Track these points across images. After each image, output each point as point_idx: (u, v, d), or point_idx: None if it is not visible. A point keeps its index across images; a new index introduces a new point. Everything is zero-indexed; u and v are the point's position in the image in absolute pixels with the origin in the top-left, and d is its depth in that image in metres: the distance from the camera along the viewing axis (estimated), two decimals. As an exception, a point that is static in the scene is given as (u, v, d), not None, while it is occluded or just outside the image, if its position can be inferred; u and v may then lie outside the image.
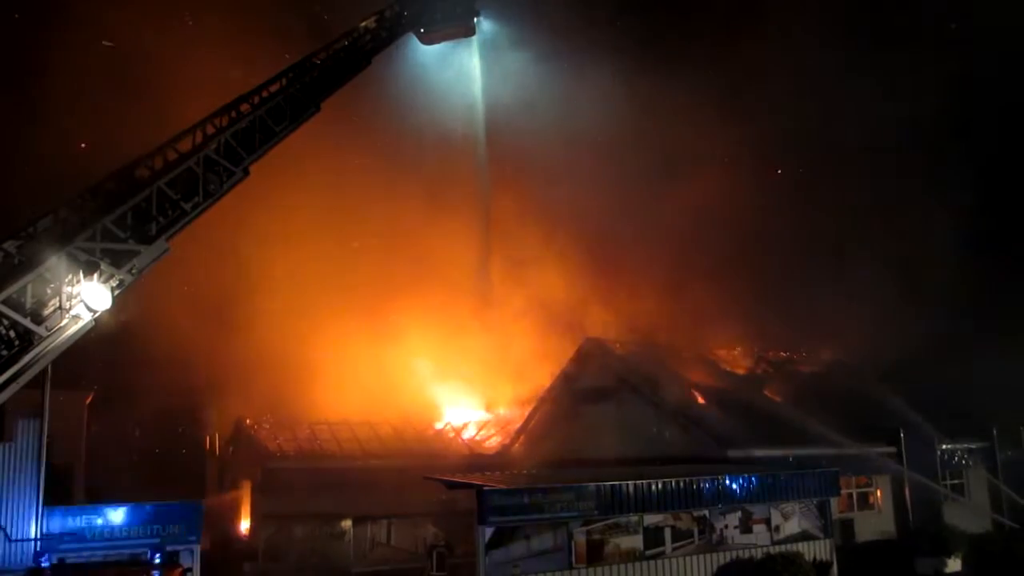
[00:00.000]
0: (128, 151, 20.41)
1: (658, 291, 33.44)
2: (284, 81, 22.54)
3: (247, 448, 30.68)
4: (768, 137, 35.38)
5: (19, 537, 18.32)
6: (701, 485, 22.86)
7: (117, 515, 19.33)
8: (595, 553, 21.12)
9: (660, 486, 22.17)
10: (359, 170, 34.00)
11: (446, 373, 35.41)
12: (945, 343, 30.73)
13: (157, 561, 17.22)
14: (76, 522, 19.03)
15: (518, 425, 33.72)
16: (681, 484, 22.54)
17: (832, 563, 24.25)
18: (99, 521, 19.14)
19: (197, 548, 19.96)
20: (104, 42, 31.21)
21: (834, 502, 25.69)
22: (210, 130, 20.67)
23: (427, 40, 30.62)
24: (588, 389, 32.35)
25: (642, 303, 33.66)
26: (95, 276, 17.36)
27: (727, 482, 23.32)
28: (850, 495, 29.27)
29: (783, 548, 23.43)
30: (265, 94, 22.00)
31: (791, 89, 35.69)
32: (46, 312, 17.00)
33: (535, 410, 33.76)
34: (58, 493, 20.28)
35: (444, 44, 32.26)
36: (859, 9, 39.36)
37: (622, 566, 21.35)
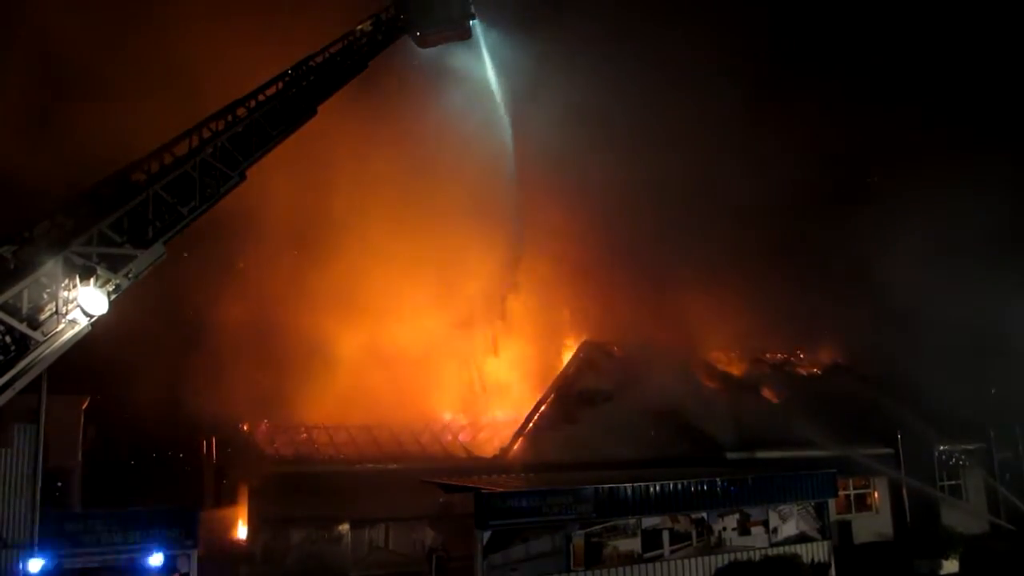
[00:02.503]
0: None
1: (656, 294, 33.48)
2: (280, 85, 22.48)
3: (244, 452, 30.61)
4: (769, 137, 35.42)
5: (16, 542, 18.27)
6: (699, 487, 22.86)
7: (114, 520, 19.27)
8: (593, 556, 21.13)
9: (658, 488, 22.18)
10: (358, 174, 33.95)
11: (444, 376, 35.38)
12: (943, 345, 30.78)
13: (154, 566, 17.16)
14: (73, 527, 18.98)
15: (516, 428, 33.71)
16: (679, 486, 22.54)
17: (830, 565, 24.25)
18: (96, 526, 19.08)
19: (194, 553, 19.92)
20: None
21: (832, 504, 25.70)
22: (206, 134, 20.59)
23: (423, 43, 30.57)
24: (586, 392, 32.37)
25: (640, 306, 33.68)
26: (92, 281, 17.28)
27: (725, 484, 23.32)
28: (848, 497, 29.31)
29: (781, 550, 23.47)
30: (261, 98, 21.92)
31: (793, 93, 35.88)
32: (42, 317, 16.90)
33: (533, 413, 33.78)
34: (55, 498, 20.26)
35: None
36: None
37: (620, 569, 21.35)
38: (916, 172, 36.46)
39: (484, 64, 36.39)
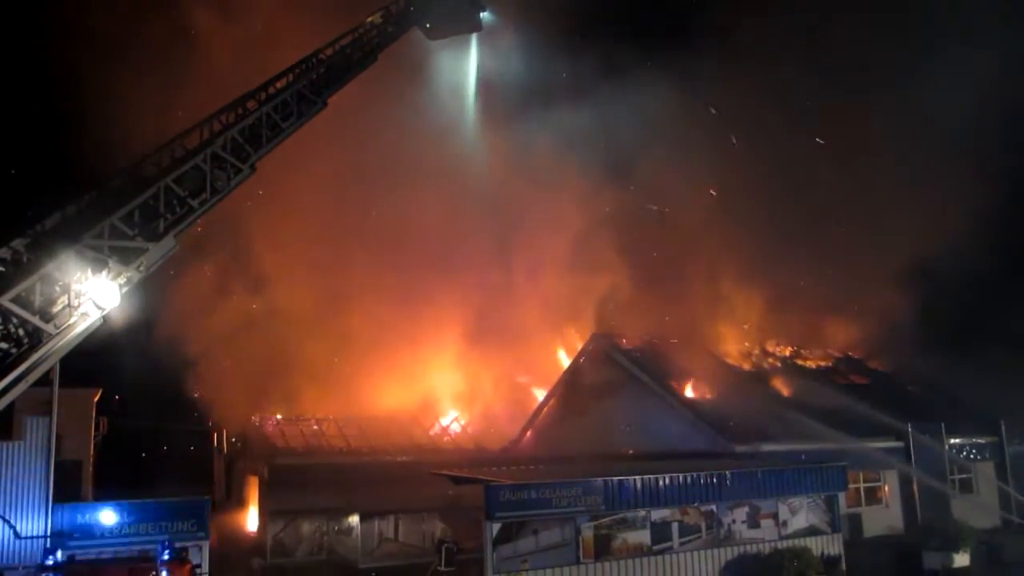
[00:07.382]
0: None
1: (666, 286, 33.43)
2: (291, 77, 22.53)
3: (254, 444, 30.77)
4: (775, 123, 35.28)
5: (29, 534, 18.41)
6: (708, 480, 22.81)
7: (126, 512, 19.37)
8: (603, 548, 21.12)
9: (667, 481, 22.14)
10: (368, 168, 33.97)
11: (454, 368, 35.42)
12: (953, 337, 30.65)
13: (166, 557, 17.23)
14: (85, 519, 19.10)
15: (525, 420, 33.74)
16: (688, 479, 22.50)
17: (840, 558, 24.20)
18: (108, 518, 19.19)
19: (206, 544, 20.02)
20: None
21: (842, 497, 25.63)
22: (217, 127, 20.67)
23: (433, 36, 30.64)
24: (595, 384, 32.34)
25: (650, 298, 33.64)
26: (103, 274, 17.38)
27: (734, 477, 23.27)
28: (858, 490, 29.23)
29: (791, 543, 23.41)
30: (272, 90, 21.98)
31: (800, 72, 35.66)
32: (55, 310, 16.99)
33: (542, 405, 33.81)
34: (67, 490, 20.35)
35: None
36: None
37: (630, 561, 21.34)
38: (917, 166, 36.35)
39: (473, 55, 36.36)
